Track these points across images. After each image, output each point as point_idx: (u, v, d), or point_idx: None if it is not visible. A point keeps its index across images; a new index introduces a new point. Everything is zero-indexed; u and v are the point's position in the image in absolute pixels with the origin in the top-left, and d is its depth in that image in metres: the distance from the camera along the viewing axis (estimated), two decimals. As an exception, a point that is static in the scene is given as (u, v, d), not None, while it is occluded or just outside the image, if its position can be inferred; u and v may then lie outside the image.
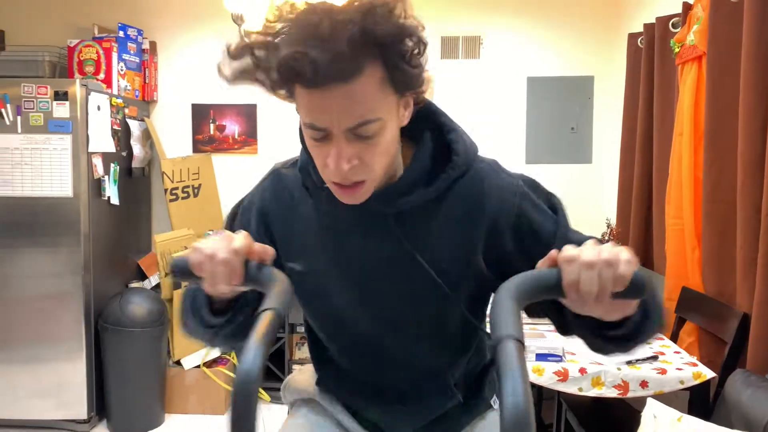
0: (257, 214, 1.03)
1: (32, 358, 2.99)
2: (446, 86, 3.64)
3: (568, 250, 0.75)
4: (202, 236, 3.52)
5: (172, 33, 3.67)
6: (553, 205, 1.03)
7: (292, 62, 0.77)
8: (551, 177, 3.60)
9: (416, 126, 0.95)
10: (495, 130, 3.64)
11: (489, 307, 0.91)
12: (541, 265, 0.78)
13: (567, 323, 0.90)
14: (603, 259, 0.72)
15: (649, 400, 1.66)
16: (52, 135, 2.91)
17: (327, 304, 1.01)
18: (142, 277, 3.50)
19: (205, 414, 3.26)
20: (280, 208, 1.02)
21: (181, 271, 0.87)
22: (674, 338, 2.38)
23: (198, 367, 3.27)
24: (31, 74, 3.18)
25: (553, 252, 0.76)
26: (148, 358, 3.09)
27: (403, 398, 1.06)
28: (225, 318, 0.93)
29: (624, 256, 0.73)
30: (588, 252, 0.73)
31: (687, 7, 2.48)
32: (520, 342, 0.63)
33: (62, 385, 3.00)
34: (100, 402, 3.10)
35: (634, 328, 0.83)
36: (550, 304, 0.88)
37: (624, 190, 3.17)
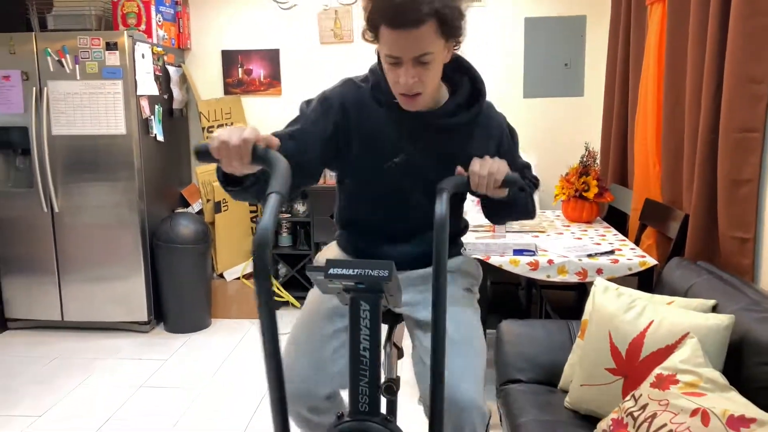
0: (338, 103, 1.47)
1: (102, 273, 3.57)
2: (450, 28, 3.99)
3: (474, 165, 1.35)
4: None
5: (201, -15, 4.06)
6: (513, 135, 1.65)
7: (385, 12, 1.29)
8: (546, 109, 4.03)
9: (454, 74, 1.51)
10: (496, 67, 4.01)
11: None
12: (459, 172, 1.38)
13: (486, 210, 1.62)
14: (487, 173, 1.33)
15: (597, 278, 2.12)
16: (105, 81, 3.38)
17: (379, 173, 1.51)
18: (185, 204, 4.01)
19: (245, 318, 3.84)
20: (356, 104, 1.48)
21: (203, 153, 1.12)
22: (637, 242, 2.83)
23: (238, 279, 3.82)
24: (80, 27, 3.61)
25: (461, 169, 1.38)
26: (196, 271, 3.64)
27: (408, 237, 1.58)
28: (239, 187, 1.27)
29: (501, 169, 1.35)
30: (482, 169, 1.34)
31: (656, -47, 2.81)
32: (448, 192, 1.24)
33: (127, 294, 3.58)
34: (157, 307, 3.68)
35: (506, 201, 1.46)
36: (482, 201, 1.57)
37: (606, 119, 3.56)
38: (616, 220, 3.28)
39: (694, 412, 1.45)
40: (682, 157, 2.51)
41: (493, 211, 1.60)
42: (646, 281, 2.41)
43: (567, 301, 3.15)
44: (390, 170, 1.50)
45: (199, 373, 3.10)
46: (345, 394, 1.44)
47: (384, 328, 1.70)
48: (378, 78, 1.48)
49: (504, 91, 4.02)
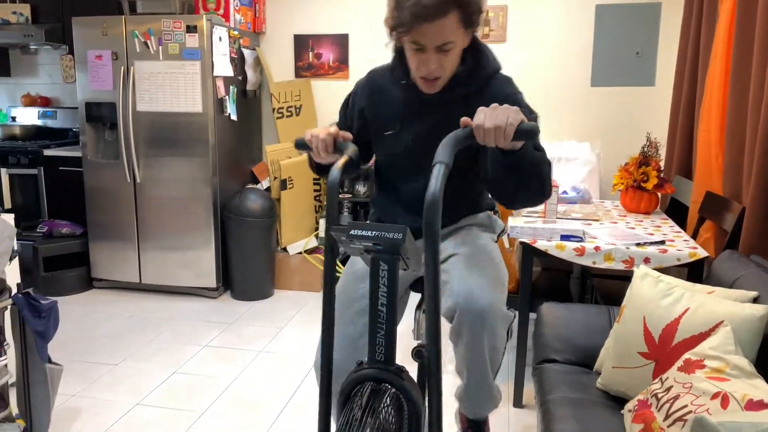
0: (360, 93, 1.75)
1: (177, 241, 3.85)
2: (518, 15, 4.00)
3: (478, 119, 1.23)
4: (303, 148, 4.19)
5: (277, -28, 4.25)
6: (530, 110, 1.58)
7: (413, 8, 1.39)
8: (614, 98, 3.97)
9: (464, 52, 1.57)
10: (564, 55, 3.98)
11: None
12: (462, 123, 1.26)
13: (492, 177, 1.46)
14: (495, 126, 1.20)
15: (641, 266, 2.12)
16: (185, 61, 3.62)
17: (393, 144, 1.69)
18: (255, 181, 4.24)
19: (305, 291, 4.03)
20: (373, 89, 1.73)
21: (302, 144, 1.52)
22: (695, 235, 2.78)
23: (300, 253, 4.02)
24: (165, 11, 3.89)
25: (466, 119, 1.25)
26: (262, 244, 3.86)
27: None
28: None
29: (510, 120, 1.20)
30: (488, 122, 1.21)
31: (730, -62, 2.71)
32: (448, 165, 1.15)
33: (198, 261, 3.85)
34: (225, 276, 3.93)
35: (519, 156, 1.35)
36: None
37: (675, 109, 3.47)
38: (678, 212, 3.22)
39: (715, 395, 1.46)
40: (744, 150, 2.45)
41: (500, 177, 1.42)
42: (697, 273, 2.38)
43: (620, 291, 3.13)
44: (393, 142, 1.65)
45: (260, 337, 3.31)
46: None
47: (416, 297, 1.81)
48: (396, 61, 1.64)
49: (571, 79, 3.98)
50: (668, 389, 1.60)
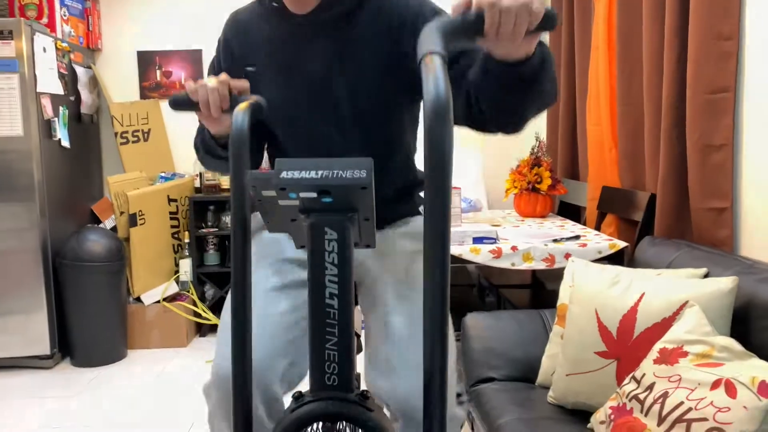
0: (223, 44, 1.35)
1: (-8, 299, 3.04)
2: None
3: None
4: (155, 178, 3.60)
5: (112, -20, 3.71)
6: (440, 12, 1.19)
7: None
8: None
9: None
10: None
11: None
12: (458, 8, 0.79)
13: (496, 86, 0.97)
14: (520, 3, 0.77)
15: (572, 258, 1.90)
16: (-2, 74, 2.94)
17: (280, 99, 1.23)
18: (96, 222, 3.56)
19: (167, 347, 3.38)
20: (238, 33, 1.33)
21: (181, 100, 1.08)
22: (597, 230, 2.65)
23: (158, 302, 3.38)
24: (-31, 21, 3.17)
25: (465, 2, 0.79)
26: (108, 294, 3.17)
27: None
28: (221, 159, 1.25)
29: None
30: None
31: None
32: (443, 57, 0.66)
33: (25, 324, 3.06)
34: (62, 339, 3.17)
35: (536, 63, 0.91)
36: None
37: (552, 116, 3.43)
38: (570, 214, 3.11)
39: (714, 384, 1.21)
40: (643, 135, 2.36)
41: (509, 97, 0.96)
42: (617, 264, 2.21)
43: (522, 299, 2.93)
44: (282, 88, 1.25)
45: (113, 412, 2.63)
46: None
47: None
48: None
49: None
50: (650, 387, 1.33)
